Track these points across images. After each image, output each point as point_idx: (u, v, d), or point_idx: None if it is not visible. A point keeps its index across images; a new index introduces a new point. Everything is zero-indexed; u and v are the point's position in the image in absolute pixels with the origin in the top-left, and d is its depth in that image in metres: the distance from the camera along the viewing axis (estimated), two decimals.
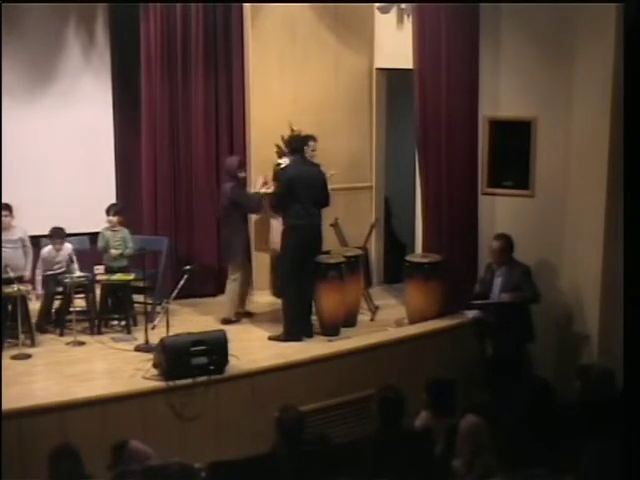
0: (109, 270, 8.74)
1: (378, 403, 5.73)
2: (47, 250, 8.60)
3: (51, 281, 8.52)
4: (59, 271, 8.53)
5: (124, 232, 8.82)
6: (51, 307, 8.60)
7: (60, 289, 8.52)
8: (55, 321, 8.55)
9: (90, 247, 9.02)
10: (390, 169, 10.33)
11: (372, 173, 10.20)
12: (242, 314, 9.01)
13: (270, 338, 8.36)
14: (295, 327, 8.28)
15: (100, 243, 8.75)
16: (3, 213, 8.39)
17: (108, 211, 8.81)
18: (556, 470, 4.76)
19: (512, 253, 7.95)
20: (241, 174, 8.87)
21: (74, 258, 8.57)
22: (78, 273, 8.47)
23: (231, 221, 8.83)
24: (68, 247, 8.63)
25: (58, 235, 8.56)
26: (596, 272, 7.96)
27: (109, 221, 8.77)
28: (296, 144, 8.50)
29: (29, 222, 8.61)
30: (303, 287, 8.26)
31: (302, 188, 8.21)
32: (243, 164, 9.03)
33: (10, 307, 7.99)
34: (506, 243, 7.96)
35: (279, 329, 8.38)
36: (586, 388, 6.09)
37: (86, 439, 5.93)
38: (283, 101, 9.72)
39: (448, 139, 8.46)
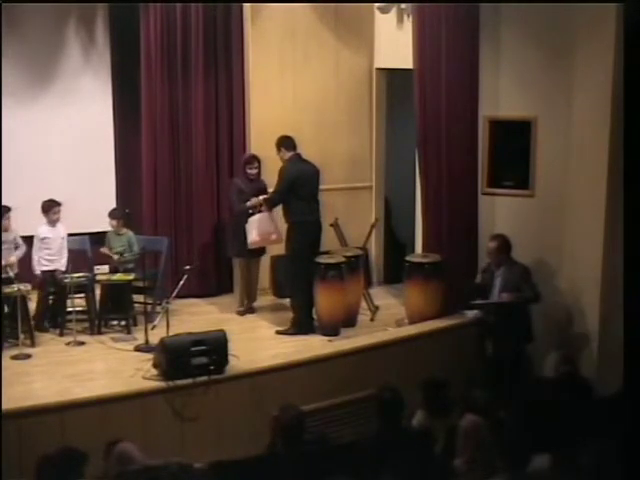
0: (114, 271, 8.78)
1: (378, 403, 5.74)
2: (42, 229, 8.56)
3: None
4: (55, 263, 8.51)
5: (129, 235, 8.86)
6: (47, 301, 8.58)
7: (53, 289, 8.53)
8: (52, 321, 8.55)
9: (90, 247, 9.01)
10: (390, 169, 10.33)
11: (372, 173, 10.20)
12: (247, 310, 9.08)
13: (278, 332, 8.44)
14: (305, 321, 8.39)
15: (105, 245, 8.83)
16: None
17: (110, 215, 8.86)
18: (556, 469, 4.76)
19: (509, 253, 7.95)
20: (249, 170, 8.97)
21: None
22: (78, 274, 8.49)
23: (234, 214, 9.01)
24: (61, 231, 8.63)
25: (54, 203, 8.54)
26: (596, 272, 7.96)
27: (111, 224, 8.81)
28: (291, 142, 8.53)
29: (28, 222, 8.60)
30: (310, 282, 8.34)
31: (304, 185, 8.37)
32: (251, 160, 9.06)
33: (10, 307, 7.99)
34: (502, 243, 7.94)
35: (279, 328, 8.48)
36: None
37: (86, 439, 5.92)
38: (283, 101, 9.73)
39: (448, 139, 8.46)
